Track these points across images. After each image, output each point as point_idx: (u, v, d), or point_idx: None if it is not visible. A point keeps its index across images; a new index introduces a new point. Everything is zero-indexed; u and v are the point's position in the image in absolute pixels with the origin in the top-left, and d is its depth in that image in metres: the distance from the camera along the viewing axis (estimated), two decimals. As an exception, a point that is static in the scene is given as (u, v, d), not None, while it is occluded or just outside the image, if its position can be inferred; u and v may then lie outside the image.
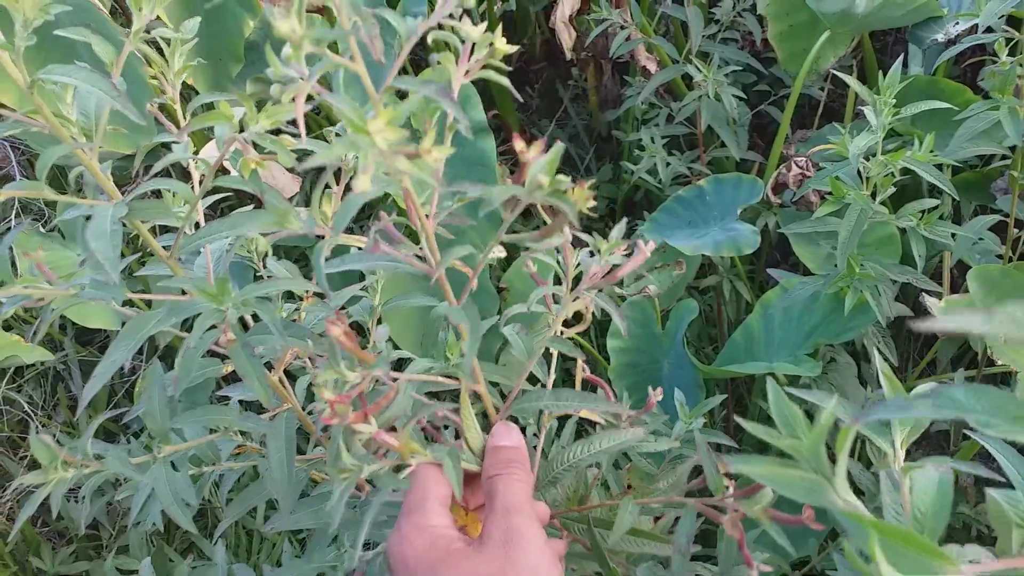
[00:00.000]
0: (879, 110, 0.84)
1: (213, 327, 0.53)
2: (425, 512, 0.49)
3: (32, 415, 1.40)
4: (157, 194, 0.56)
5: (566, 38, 1.51)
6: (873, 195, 0.93)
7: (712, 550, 0.62)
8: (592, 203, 0.35)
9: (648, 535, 0.61)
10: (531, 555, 0.45)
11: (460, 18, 0.36)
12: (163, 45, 0.58)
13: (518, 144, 0.31)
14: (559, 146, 0.32)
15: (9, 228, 1.46)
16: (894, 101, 0.84)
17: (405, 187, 0.37)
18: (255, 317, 0.64)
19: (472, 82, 0.42)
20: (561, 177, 0.32)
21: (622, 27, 1.41)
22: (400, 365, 0.69)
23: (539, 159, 0.32)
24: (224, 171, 0.54)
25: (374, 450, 0.48)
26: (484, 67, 0.37)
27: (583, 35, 1.65)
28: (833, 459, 0.38)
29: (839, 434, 0.39)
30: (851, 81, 0.86)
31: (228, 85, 1.43)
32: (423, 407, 0.50)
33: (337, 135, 0.62)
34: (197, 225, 0.60)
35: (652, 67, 1.51)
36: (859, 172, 0.93)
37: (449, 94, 0.32)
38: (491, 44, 0.36)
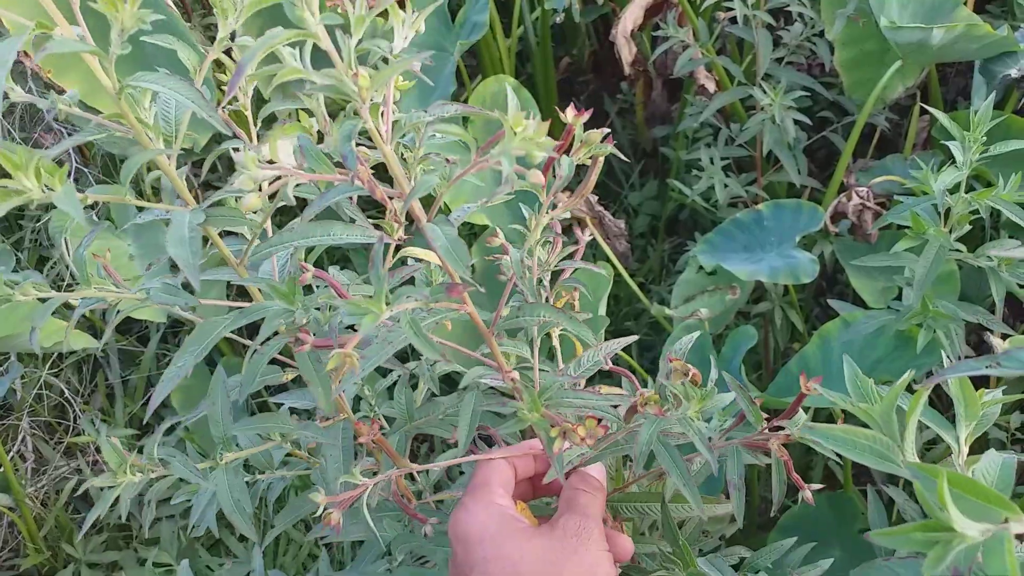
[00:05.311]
0: (968, 147, 0.82)
1: (276, 333, 0.52)
2: (490, 492, 0.52)
3: (71, 401, 1.39)
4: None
5: (626, 53, 1.49)
6: (949, 232, 0.91)
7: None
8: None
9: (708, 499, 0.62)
10: (594, 552, 0.49)
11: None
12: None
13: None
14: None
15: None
16: (985, 139, 0.81)
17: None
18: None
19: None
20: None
21: (686, 46, 1.40)
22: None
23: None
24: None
25: None
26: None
27: (639, 49, 1.63)
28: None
29: (909, 404, 0.42)
30: (940, 115, 0.84)
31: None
32: None
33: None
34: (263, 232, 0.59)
35: (711, 86, 1.49)
36: (935, 207, 0.91)
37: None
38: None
